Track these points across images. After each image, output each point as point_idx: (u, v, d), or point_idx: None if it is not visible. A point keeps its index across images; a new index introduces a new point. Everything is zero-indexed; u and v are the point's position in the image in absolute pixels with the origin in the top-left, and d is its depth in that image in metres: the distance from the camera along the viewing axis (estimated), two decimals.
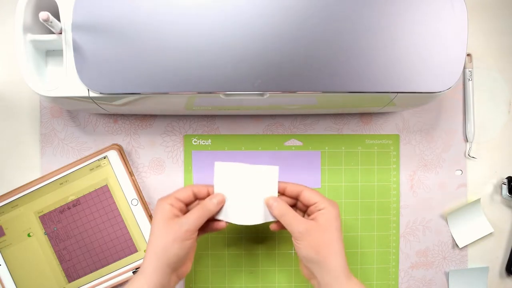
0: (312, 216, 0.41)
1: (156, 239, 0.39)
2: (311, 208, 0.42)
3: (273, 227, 0.44)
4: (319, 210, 0.41)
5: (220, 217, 0.43)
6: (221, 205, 0.42)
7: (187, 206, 0.43)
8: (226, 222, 0.43)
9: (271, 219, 0.43)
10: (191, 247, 0.40)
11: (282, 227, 0.43)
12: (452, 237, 0.53)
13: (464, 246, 0.53)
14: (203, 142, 0.52)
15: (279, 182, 0.43)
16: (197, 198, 0.43)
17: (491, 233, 0.53)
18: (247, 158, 0.52)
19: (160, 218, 0.40)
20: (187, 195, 0.42)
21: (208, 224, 0.43)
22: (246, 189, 0.43)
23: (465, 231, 0.53)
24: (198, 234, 0.42)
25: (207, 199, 0.41)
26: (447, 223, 0.53)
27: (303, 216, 0.43)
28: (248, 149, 0.52)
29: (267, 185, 0.43)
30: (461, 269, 0.53)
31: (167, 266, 0.39)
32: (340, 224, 0.41)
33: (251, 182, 0.43)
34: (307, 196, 0.42)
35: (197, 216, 0.40)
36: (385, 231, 0.52)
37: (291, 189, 0.43)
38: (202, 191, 0.42)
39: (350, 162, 0.52)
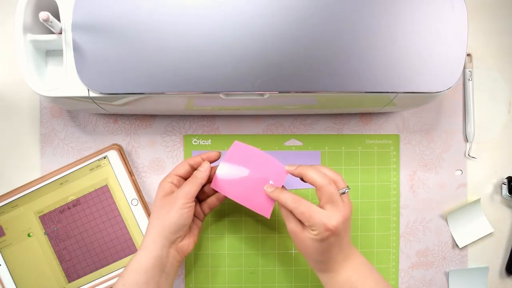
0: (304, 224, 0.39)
1: (154, 215, 0.41)
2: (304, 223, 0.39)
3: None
4: (312, 230, 0.38)
5: (220, 190, 0.43)
6: (208, 171, 0.43)
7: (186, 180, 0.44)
8: (225, 196, 0.43)
9: (264, 212, 0.42)
10: (188, 218, 0.41)
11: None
12: (452, 237, 0.53)
13: (464, 246, 0.53)
14: (203, 142, 0.52)
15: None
16: (194, 169, 0.44)
17: (491, 233, 0.53)
18: None
19: (159, 196, 0.42)
20: (185, 169, 0.44)
21: (208, 201, 0.46)
22: (253, 174, 0.43)
23: (465, 231, 0.53)
24: (204, 214, 0.46)
25: (196, 170, 0.43)
26: (447, 223, 0.53)
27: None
28: None
29: (274, 178, 0.42)
30: (461, 269, 0.53)
31: (164, 237, 0.40)
32: (334, 234, 0.38)
33: (260, 169, 0.43)
34: (298, 215, 0.39)
35: (189, 185, 0.41)
36: (385, 231, 0.52)
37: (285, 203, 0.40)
38: (197, 161, 0.44)
39: (350, 162, 0.52)
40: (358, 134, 0.53)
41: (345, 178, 0.52)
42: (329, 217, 0.37)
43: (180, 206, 0.40)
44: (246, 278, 0.51)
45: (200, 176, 0.42)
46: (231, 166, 0.43)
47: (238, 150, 0.44)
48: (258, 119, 0.52)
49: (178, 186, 0.43)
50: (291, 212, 0.40)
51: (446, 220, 0.53)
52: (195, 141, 0.52)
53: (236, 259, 0.51)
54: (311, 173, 0.39)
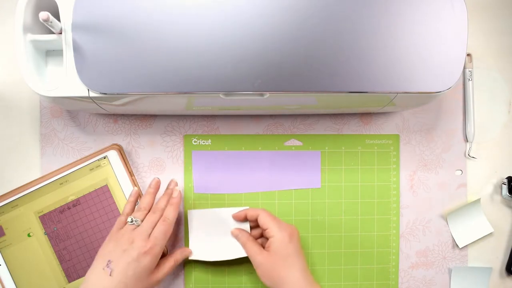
0: (267, 244, 0.45)
1: (133, 282, 0.40)
2: (266, 233, 0.45)
3: None
4: (271, 237, 0.44)
5: (195, 257, 0.48)
6: (188, 256, 0.48)
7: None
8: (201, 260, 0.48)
9: (243, 254, 0.47)
10: None
11: None
12: (452, 237, 0.53)
13: (464, 246, 0.53)
14: (203, 142, 0.52)
15: (245, 208, 0.48)
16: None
17: (491, 233, 0.53)
18: (247, 158, 0.52)
19: (146, 271, 0.41)
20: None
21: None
22: (219, 229, 0.48)
23: (465, 231, 0.53)
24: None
25: (177, 253, 0.46)
26: (447, 223, 0.53)
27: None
28: (248, 149, 0.52)
29: (239, 224, 0.48)
30: (464, 266, 0.53)
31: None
32: (295, 248, 0.44)
33: (224, 223, 0.48)
34: (261, 221, 0.45)
35: (169, 270, 0.45)
36: (385, 231, 0.52)
37: (250, 214, 0.47)
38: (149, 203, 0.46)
39: (350, 162, 0.52)
40: (358, 134, 0.53)
41: (345, 178, 0.52)
42: (282, 225, 0.45)
43: (157, 285, 0.43)
44: (246, 278, 0.51)
45: (181, 259, 0.47)
46: (199, 234, 0.49)
47: (196, 217, 0.49)
48: (258, 119, 0.52)
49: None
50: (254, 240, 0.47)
51: (446, 220, 0.53)
52: (195, 141, 0.52)
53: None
54: (262, 218, 0.45)
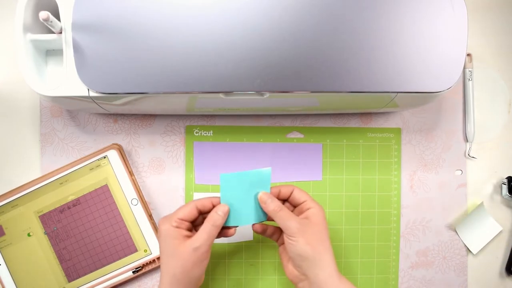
0: (303, 215, 0.42)
1: (173, 264, 0.39)
2: (301, 206, 0.42)
3: (255, 228, 0.44)
4: (309, 208, 0.42)
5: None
6: (226, 216, 0.41)
7: (192, 223, 0.42)
8: (231, 227, 0.43)
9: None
10: (207, 263, 0.41)
11: (264, 229, 0.44)
12: (465, 245, 0.52)
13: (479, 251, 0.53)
14: (205, 133, 0.52)
15: (273, 186, 0.43)
16: (201, 213, 0.42)
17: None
18: (249, 149, 0.51)
19: (171, 242, 0.40)
20: (191, 214, 0.41)
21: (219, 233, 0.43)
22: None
23: (476, 237, 0.52)
24: None
25: (213, 213, 0.41)
26: (457, 233, 0.52)
27: None
28: (249, 140, 0.52)
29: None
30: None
31: None
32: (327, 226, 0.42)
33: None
34: (297, 195, 0.43)
35: (208, 235, 0.40)
36: (386, 224, 0.52)
37: (284, 191, 0.43)
38: (206, 205, 0.42)
39: (352, 155, 0.52)
40: (360, 127, 0.53)
41: (346, 171, 0.52)
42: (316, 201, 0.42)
43: (204, 258, 0.39)
44: (246, 270, 0.51)
45: (220, 221, 0.40)
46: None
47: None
48: (258, 118, 0.52)
49: (186, 229, 0.41)
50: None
51: (456, 231, 0.52)
52: (196, 132, 0.52)
53: (236, 251, 0.51)
54: (298, 191, 0.43)
